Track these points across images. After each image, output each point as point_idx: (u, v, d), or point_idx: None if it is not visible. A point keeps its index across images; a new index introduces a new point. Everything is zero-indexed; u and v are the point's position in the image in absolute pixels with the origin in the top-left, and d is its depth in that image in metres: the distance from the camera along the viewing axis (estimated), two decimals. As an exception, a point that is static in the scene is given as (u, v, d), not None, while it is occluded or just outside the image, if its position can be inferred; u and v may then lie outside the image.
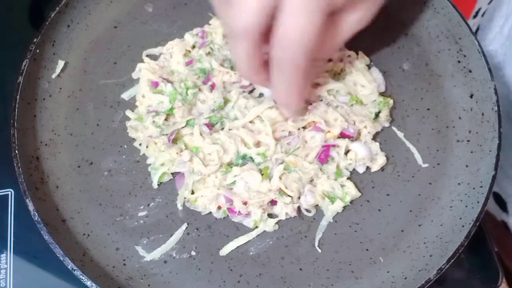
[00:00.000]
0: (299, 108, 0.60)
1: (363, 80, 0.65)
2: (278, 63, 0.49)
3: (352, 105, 0.64)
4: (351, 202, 0.61)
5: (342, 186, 0.60)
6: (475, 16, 0.91)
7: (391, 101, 0.65)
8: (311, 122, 0.62)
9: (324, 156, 0.61)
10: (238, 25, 0.46)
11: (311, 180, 0.61)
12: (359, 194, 0.61)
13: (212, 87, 0.64)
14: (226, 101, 0.63)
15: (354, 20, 0.52)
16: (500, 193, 0.85)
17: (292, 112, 0.61)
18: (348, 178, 0.61)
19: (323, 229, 0.59)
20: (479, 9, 0.90)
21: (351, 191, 0.60)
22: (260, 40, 0.48)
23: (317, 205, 0.61)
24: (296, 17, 0.45)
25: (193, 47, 0.68)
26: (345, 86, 0.64)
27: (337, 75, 0.66)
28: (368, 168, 0.63)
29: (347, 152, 0.62)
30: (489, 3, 0.86)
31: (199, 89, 0.63)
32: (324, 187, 0.60)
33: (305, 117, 0.62)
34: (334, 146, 0.61)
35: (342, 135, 0.62)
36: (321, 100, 0.64)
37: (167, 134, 0.61)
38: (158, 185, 0.61)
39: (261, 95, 0.65)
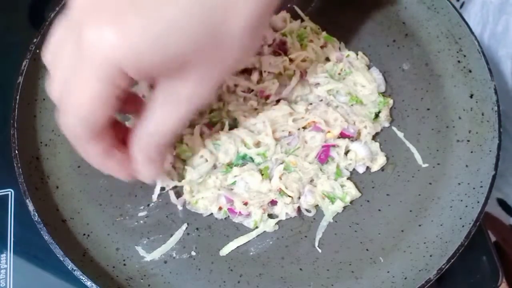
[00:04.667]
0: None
1: (363, 80, 0.65)
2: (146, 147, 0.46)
3: (352, 105, 0.64)
4: (351, 202, 0.61)
5: (342, 186, 0.60)
6: None
7: (391, 101, 0.66)
8: (311, 122, 0.62)
9: (324, 156, 0.61)
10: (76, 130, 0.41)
11: (311, 180, 0.61)
12: (359, 194, 0.61)
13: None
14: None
15: (184, 95, 0.42)
16: (505, 199, 0.84)
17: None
18: (348, 178, 0.61)
19: (323, 229, 0.59)
20: None
21: (351, 191, 0.60)
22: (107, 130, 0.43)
23: (317, 205, 0.61)
24: None
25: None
26: (345, 86, 0.64)
27: (337, 75, 0.66)
28: (368, 168, 0.63)
29: (347, 152, 0.62)
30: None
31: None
32: (324, 187, 0.60)
33: (305, 117, 0.62)
34: (334, 146, 0.61)
35: (342, 135, 0.62)
36: (321, 100, 0.64)
37: (167, 134, 0.61)
38: (158, 185, 0.61)
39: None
